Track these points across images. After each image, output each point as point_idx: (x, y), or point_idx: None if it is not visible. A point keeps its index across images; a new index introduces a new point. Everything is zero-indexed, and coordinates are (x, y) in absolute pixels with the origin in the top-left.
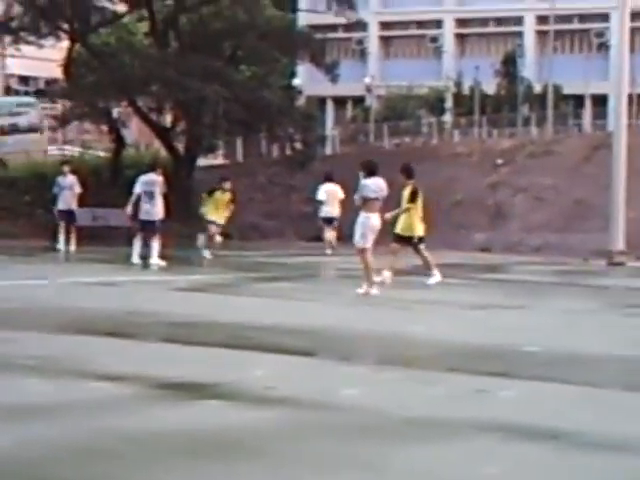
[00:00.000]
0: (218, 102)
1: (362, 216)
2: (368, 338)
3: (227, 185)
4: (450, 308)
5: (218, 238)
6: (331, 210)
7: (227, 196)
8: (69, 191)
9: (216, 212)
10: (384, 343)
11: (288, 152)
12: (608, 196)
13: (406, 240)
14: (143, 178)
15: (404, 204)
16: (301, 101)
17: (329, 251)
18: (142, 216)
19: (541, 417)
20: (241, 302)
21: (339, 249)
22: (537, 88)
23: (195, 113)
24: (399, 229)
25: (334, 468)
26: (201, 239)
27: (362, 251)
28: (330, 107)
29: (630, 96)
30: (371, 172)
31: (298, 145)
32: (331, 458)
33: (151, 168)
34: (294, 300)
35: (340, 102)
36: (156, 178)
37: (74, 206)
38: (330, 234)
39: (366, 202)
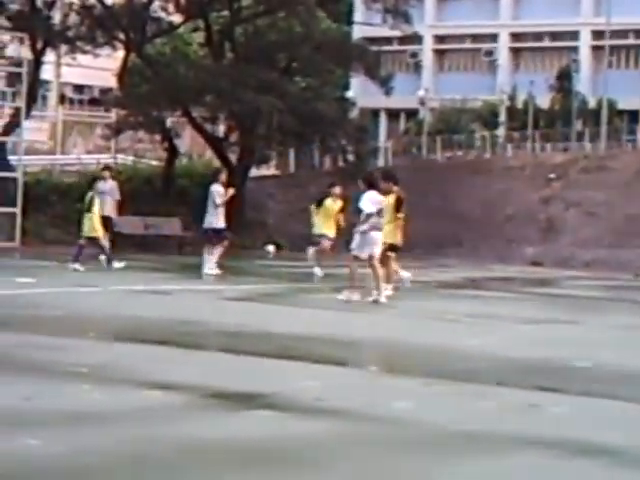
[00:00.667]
0: (272, 113)
1: (362, 228)
2: (420, 351)
3: (337, 190)
4: (502, 322)
5: (270, 248)
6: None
7: (338, 204)
8: (108, 197)
9: (327, 223)
10: (436, 356)
11: (340, 164)
12: None
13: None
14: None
15: (390, 214)
16: (354, 113)
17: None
18: (205, 225)
19: (592, 433)
20: (292, 312)
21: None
22: (591, 103)
23: (249, 124)
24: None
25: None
26: (311, 253)
27: (354, 258)
28: (383, 119)
29: None
30: (371, 185)
31: (350, 157)
32: (382, 471)
33: (213, 178)
34: (344, 311)
35: (393, 115)
36: (216, 188)
37: (113, 214)
38: None
39: (366, 215)
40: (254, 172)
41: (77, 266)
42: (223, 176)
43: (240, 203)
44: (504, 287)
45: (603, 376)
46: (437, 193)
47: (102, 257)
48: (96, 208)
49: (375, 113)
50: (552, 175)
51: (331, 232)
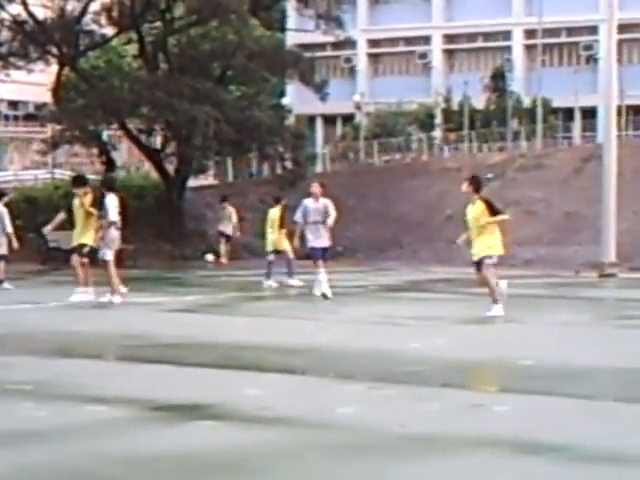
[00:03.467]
0: (208, 123)
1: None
2: (362, 356)
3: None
4: (445, 324)
5: (209, 257)
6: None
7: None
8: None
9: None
10: (380, 360)
11: (279, 171)
12: (599, 208)
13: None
14: None
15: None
16: (291, 120)
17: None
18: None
19: (537, 431)
20: (235, 322)
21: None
22: (526, 102)
23: (185, 134)
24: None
25: None
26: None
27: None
28: (320, 125)
29: (619, 108)
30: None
31: (288, 164)
32: (328, 477)
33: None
34: (287, 319)
35: (330, 120)
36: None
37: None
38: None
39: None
40: (192, 182)
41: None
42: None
43: (179, 214)
44: (446, 289)
45: (545, 374)
46: (376, 197)
47: None
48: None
49: (311, 119)
50: (490, 175)
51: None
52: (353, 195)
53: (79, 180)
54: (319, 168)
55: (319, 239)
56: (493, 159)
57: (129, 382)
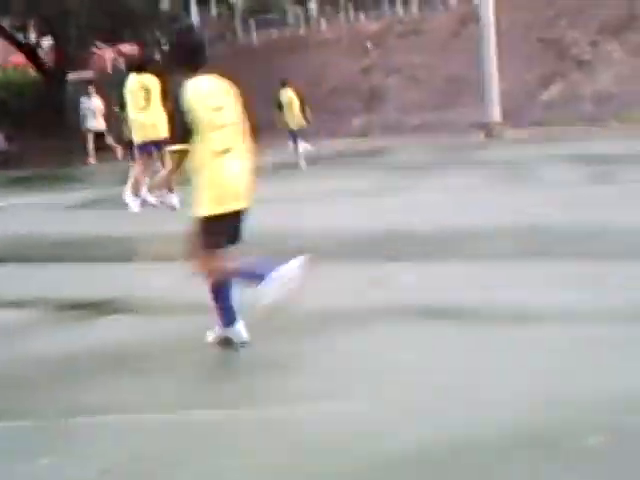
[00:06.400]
0: (81, 13)
1: None
2: (263, 233)
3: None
4: (341, 197)
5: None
6: None
7: None
8: None
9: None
10: (276, 237)
11: (157, 57)
12: (480, 70)
13: None
14: None
15: None
16: (164, 4)
17: None
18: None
19: (445, 296)
20: (133, 216)
21: None
22: None
23: (59, 27)
24: None
25: (253, 369)
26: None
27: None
28: (194, 7)
29: None
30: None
31: (166, 48)
32: (251, 359)
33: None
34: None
35: (203, 1)
36: None
37: None
38: None
39: None
40: (72, 76)
41: None
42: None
43: (62, 109)
44: (337, 162)
45: (446, 238)
46: (258, 76)
47: None
48: None
49: (185, 1)
50: (369, 44)
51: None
52: (237, 77)
53: None
54: None
55: None
56: (371, 28)
57: (34, 283)
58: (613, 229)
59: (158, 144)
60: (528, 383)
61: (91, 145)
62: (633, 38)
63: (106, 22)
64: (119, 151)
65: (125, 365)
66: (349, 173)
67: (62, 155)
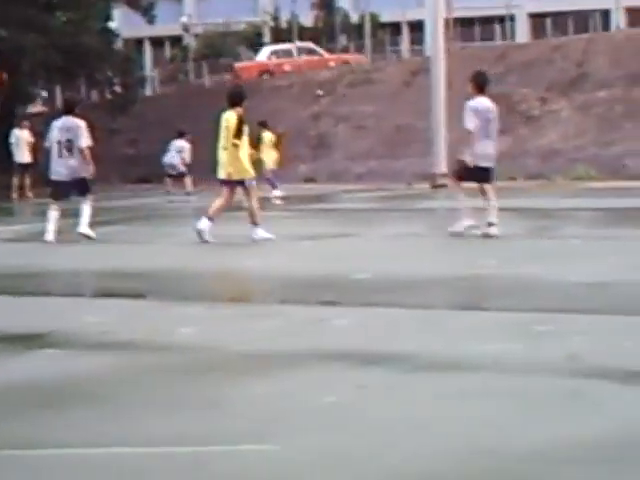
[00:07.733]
0: (35, 50)
1: None
2: (202, 277)
3: None
4: (282, 240)
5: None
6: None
7: None
8: None
9: None
10: (218, 280)
11: (108, 96)
12: (429, 120)
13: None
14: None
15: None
16: (119, 44)
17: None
18: None
19: (375, 342)
20: (71, 249)
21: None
22: (354, 18)
23: (13, 63)
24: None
25: (176, 408)
26: None
27: None
28: (148, 48)
29: (447, 20)
30: None
31: (118, 88)
32: (172, 399)
33: None
34: (127, 243)
35: (158, 43)
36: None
37: None
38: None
39: None
40: (22, 111)
41: None
42: None
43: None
44: (281, 206)
45: (382, 286)
46: (208, 118)
47: None
48: None
49: (139, 42)
50: (320, 91)
51: None
52: (184, 118)
53: None
54: (149, 91)
55: None
56: (323, 75)
57: None
58: (546, 282)
59: None
60: (451, 432)
61: (16, 180)
62: (580, 97)
63: (60, 60)
64: None
65: (51, 400)
66: (293, 219)
67: (6, 189)
